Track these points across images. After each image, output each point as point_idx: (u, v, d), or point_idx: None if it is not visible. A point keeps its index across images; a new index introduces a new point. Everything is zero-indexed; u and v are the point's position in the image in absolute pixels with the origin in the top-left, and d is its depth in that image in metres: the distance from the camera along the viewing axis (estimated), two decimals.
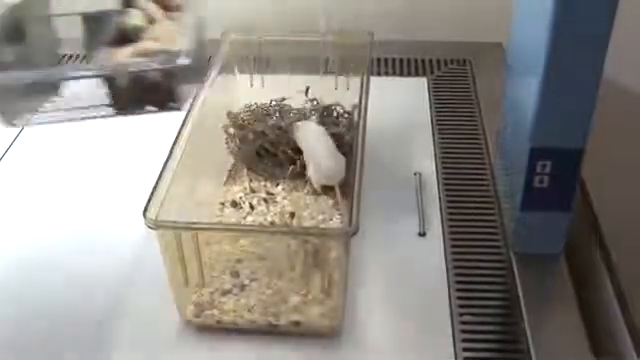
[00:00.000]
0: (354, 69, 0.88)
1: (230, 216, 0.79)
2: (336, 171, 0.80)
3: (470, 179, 0.87)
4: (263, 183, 0.83)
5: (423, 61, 1.09)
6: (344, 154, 0.81)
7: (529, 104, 0.67)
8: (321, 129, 0.82)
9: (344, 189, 0.79)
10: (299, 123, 0.83)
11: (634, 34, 0.99)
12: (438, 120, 0.96)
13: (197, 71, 0.87)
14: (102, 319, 0.70)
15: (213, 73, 0.83)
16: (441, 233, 0.79)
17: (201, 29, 0.98)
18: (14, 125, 0.95)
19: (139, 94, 0.95)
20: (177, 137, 0.72)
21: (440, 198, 0.83)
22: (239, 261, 0.71)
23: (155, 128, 0.94)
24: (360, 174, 0.67)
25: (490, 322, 0.69)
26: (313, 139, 0.81)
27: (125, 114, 0.96)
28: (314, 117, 0.87)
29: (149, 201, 0.64)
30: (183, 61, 0.90)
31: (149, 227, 0.62)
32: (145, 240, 0.76)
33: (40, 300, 0.72)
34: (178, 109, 0.93)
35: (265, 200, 0.81)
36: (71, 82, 0.97)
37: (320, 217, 0.78)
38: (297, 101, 0.89)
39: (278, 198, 0.81)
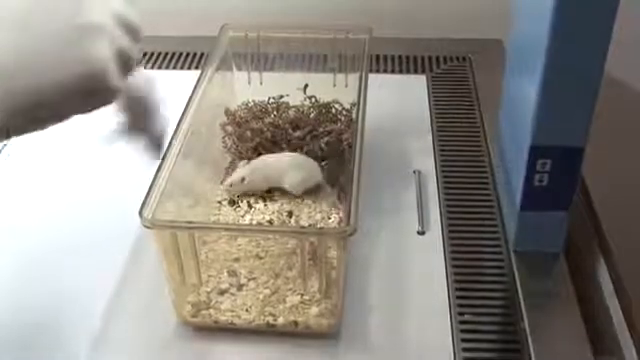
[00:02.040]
0: (353, 66, 0.87)
1: (228, 215, 0.78)
2: (306, 176, 0.79)
3: (470, 177, 0.86)
4: None
5: (422, 58, 1.09)
6: (342, 151, 0.81)
7: (529, 102, 0.67)
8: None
9: (343, 187, 0.79)
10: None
11: (636, 31, 0.98)
12: (437, 118, 0.96)
13: None
14: (99, 319, 0.69)
15: (210, 70, 0.82)
16: (440, 232, 0.78)
17: None
18: None
19: None
20: (174, 134, 0.71)
21: (439, 196, 0.83)
22: (237, 260, 0.70)
23: None
24: (358, 173, 0.67)
25: (490, 321, 0.69)
26: (275, 157, 0.81)
27: None
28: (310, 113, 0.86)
29: (145, 200, 0.63)
30: None
31: (145, 226, 0.62)
32: (142, 239, 0.75)
33: (37, 299, 0.72)
34: None
35: (263, 198, 0.80)
36: None
37: (318, 216, 0.77)
38: (295, 98, 0.88)
39: (276, 196, 0.80)
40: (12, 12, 0.44)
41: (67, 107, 0.46)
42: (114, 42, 0.46)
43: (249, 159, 0.82)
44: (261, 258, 0.70)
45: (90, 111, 0.48)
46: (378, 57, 1.07)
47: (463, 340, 0.67)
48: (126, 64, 0.48)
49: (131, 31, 0.48)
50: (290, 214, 0.78)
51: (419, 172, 0.86)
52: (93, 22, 0.45)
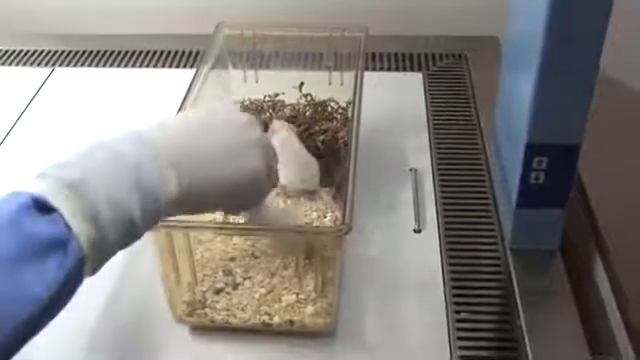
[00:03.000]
0: (348, 64, 0.87)
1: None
2: (308, 177, 0.78)
3: (466, 175, 0.86)
4: None
5: (418, 56, 1.08)
6: (338, 149, 0.81)
7: (525, 99, 0.67)
8: (289, 133, 0.79)
9: (339, 186, 0.79)
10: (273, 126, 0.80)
11: (632, 29, 0.98)
12: (434, 115, 0.96)
13: None
14: (94, 319, 0.69)
15: (206, 68, 0.82)
16: (437, 230, 0.78)
17: None
18: None
19: None
20: None
21: (436, 194, 0.83)
22: (232, 259, 0.70)
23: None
24: (354, 171, 0.67)
25: (486, 319, 0.69)
26: (282, 146, 0.79)
27: None
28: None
29: None
30: None
31: None
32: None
33: None
34: None
35: None
36: None
37: (314, 215, 0.77)
38: (291, 96, 0.88)
39: (272, 195, 0.80)
40: (201, 123, 0.58)
41: (232, 199, 0.59)
42: (267, 158, 0.60)
43: None
44: (257, 257, 0.70)
45: (242, 208, 0.64)
46: (374, 55, 1.07)
47: (459, 338, 0.67)
48: (270, 177, 0.61)
49: (274, 155, 0.63)
50: None
51: (415, 170, 0.86)
52: (256, 139, 0.59)
